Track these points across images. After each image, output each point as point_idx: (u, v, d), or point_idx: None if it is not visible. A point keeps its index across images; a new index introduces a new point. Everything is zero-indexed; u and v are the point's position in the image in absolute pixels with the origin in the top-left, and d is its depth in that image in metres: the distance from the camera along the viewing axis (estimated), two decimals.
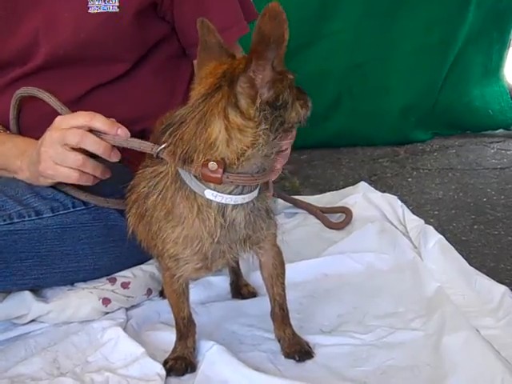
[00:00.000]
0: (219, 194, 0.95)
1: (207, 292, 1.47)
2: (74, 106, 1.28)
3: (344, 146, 2.86)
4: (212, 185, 0.95)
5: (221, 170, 0.91)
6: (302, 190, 2.38)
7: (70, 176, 1.17)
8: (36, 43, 1.37)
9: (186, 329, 1.16)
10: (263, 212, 1.03)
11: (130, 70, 1.44)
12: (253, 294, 1.45)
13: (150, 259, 1.46)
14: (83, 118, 1.12)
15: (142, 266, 1.46)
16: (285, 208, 1.98)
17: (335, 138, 2.85)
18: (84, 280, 1.38)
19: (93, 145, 1.12)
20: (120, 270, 1.43)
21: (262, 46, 0.82)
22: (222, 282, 1.50)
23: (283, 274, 1.19)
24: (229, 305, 1.41)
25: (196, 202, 0.97)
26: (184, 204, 0.98)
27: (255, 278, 1.45)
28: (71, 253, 1.32)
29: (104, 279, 1.40)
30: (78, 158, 1.14)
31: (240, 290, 1.47)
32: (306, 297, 1.42)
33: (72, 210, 1.30)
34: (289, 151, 1.10)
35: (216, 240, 0.98)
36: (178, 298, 1.13)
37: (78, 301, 1.33)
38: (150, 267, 1.48)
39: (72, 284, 1.39)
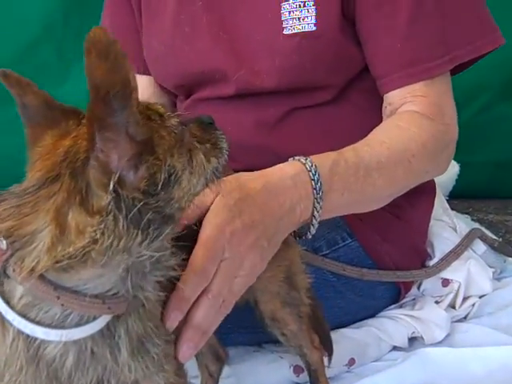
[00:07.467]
0: (18, 317, 0.58)
1: None
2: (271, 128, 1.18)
3: None
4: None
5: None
6: None
7: None
8: (224, 69, 1.20)
9: None
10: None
11: (339, 95, 1.20)
12: None
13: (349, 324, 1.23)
14: None
15: (343, 329, 1.21)
16: None
17: None
18: None
19: None
20: None
21: (100, 107, 0.52)
22: None
23: None
24: None
25: None
26: None
27: None
28: None
29: None
30: None
31: None
32: None
33: None
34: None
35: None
36: None
37: (265, 366, 1.12)
38: (354, 332, 1.20)
39: (259, 344, 1.18)
